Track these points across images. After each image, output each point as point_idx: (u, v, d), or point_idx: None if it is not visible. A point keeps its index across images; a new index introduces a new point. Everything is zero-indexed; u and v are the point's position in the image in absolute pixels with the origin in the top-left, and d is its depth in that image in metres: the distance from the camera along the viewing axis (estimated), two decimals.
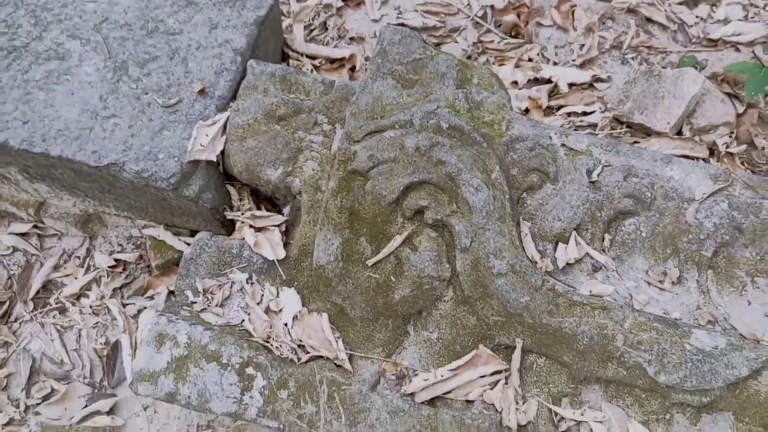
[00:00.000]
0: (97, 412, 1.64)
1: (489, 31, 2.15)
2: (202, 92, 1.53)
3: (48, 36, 1.59)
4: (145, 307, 1.74)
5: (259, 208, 1.61)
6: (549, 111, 2.00)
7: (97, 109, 1.50)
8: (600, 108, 1.99)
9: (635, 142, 1.90)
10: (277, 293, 1.42)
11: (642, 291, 1.38)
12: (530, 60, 2.08)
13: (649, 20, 2.13)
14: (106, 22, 1.61)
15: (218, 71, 1.57)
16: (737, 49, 2.05)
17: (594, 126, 1.96)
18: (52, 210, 1.80)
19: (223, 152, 1.50)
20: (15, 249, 1.81)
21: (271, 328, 1.38)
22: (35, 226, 1.81)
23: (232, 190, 1.61)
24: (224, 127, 1.50)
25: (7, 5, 1.63)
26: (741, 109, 1.93)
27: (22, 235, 1.82)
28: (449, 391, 1.32)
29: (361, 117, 1.41)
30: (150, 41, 1.59)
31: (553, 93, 2.03)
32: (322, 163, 1.46)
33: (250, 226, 1.51)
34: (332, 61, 2.06)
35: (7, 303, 1.76)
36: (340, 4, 2.17)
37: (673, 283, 1.38)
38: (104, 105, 1.51)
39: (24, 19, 1.61)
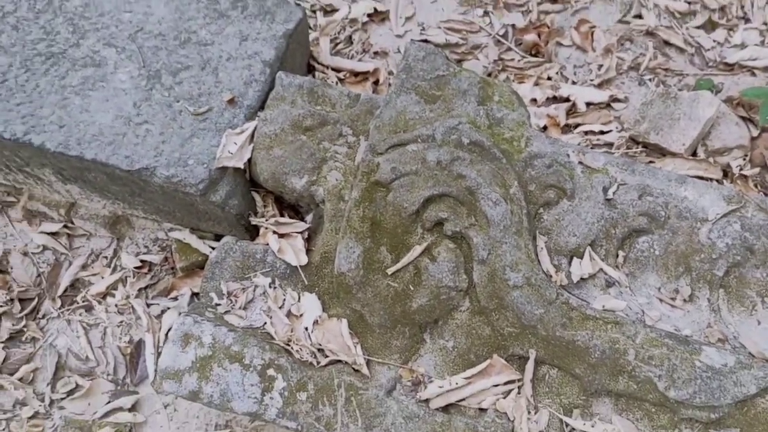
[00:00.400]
0: (120, 409, 1.68)
1: (510, 49, 2.19)
2: (231, 102, 1.58)
3: (85, 43, 1.64)
4: (168, 308, 1.78)
5: (282, 215, 1.64)
6: (567, 129, 2.03)
7: (131, 116, 1.55)
8: (617, 127, 2.02)
9: (650, 161, 1.93)
10: (299, 298, 1.46)
11: (654, 307, 1.40)
12: (549, 78, 2.12)
13: (666, 43, 2.16)
14: (141, 31, 1.67)
15: (248, 82, 1.62)
16: (753, 74, 2.07)
17: (610, 145, 1.99)
18: (82, 211, 1.86)
19: (250, 160, 1.54)
20: (45, 247, 1.86)
21: (292, 331, 1.41)
22: (65, 226, 1.86)
23: (257, 197, 1.65)
24: (252, 135, 1.54)
25: (46, 12, 1.68)
26: (755, 133, 1.95)
27: (53, 234, 1.86)
28: (463, 399, 1.35)
29: (384, 130, 1.45)
30: (183, 51, 1.65)
31: (571, 111, 2.06)
32: (346, 174, 1.50)
33: (274, 232, 1.55)
34: (356, 74, 2.11)
35: (36, 300, 1.80)
36: (366, 19, 2.21)
37: (684, 300, 1.40)
38: (137, 112, 1.56)
39: (62, 27, 1.66)
